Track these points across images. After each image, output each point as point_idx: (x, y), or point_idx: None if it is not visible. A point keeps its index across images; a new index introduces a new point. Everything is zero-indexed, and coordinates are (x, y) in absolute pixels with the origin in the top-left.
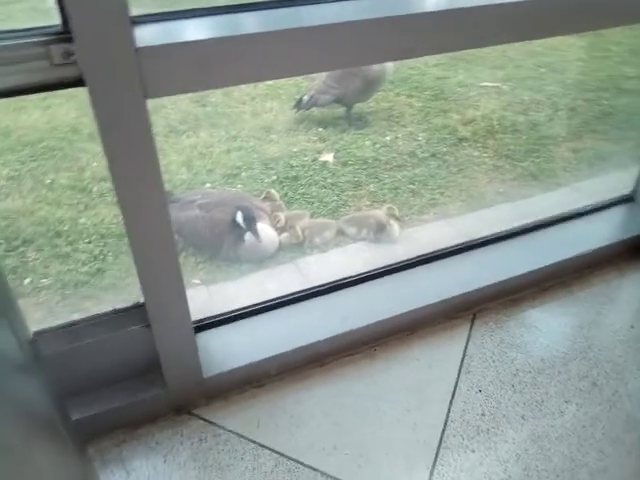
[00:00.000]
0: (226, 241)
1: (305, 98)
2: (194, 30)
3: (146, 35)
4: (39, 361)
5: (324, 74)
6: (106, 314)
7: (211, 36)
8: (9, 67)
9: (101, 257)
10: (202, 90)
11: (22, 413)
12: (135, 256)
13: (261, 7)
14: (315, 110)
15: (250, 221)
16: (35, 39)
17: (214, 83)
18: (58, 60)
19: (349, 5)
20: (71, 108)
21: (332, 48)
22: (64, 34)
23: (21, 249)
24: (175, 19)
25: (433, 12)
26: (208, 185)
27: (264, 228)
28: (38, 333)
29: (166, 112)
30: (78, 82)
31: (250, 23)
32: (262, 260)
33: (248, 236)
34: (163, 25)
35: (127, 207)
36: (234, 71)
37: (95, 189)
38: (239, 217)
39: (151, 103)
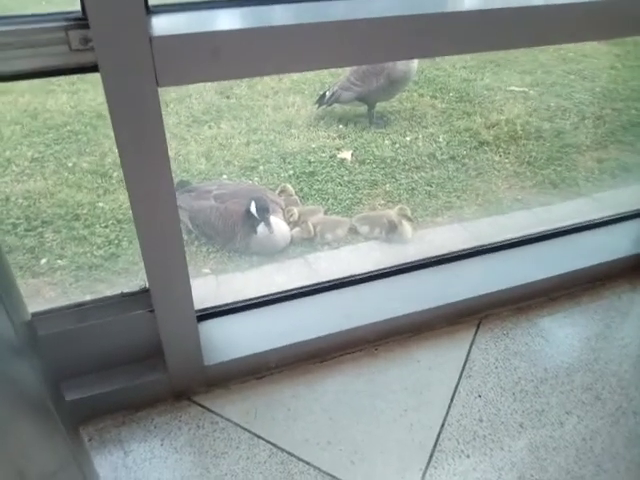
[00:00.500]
0: (239, 232)
1: (327, 94)
2: (212, 21)
3: (162, 24)
4: (35, 343)
5: (348, 71)
6: (113, 297)
7: (226, 28)
8: (30, 50)
9: (116, 242)
10: (214, 80)
11: (11, 394)
12: (141, 242)
13: (286, 1)
14: (337, 107)
15: (263, 212)
16: (55, 24)
17: (227, 74)
18: (76, 46)
19: (376, 2)
20: (98, 94)
21: (347, 44)
22: (83, 20)
23: (40, 229)
24: (194, 10)
25: (464, 12)
26: (225, 177)
27: (277, 222)
28: (46, 312)
29: (190, 102)
30: (96, 68)
31: (270, 16)
32: (273, 253)
33: (261, 228)
34: (180, 15)
35: (135, 193)
36: (247, 63)
37: (115, 175)
38: (253, 207)
39: (176, 93)
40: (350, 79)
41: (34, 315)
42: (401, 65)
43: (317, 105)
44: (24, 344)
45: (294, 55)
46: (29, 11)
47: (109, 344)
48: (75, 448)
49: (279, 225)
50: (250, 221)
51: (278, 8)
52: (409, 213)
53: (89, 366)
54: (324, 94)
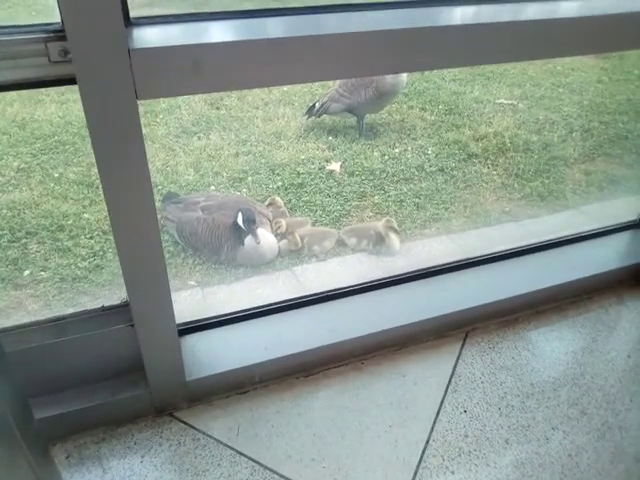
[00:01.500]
0: (226, 244)
1: (317, 105)
2: (194, 33)
3: (143, 37)
4: (0, 362)
5: (337, 82)
6: (93, 311)
7: (207, 40)
8: (8, 61)
9: (101, 253)
10: (196, 93)
11: None
12: (120, 255)
13: (272, 14)
14: (327, 118)
15: (250, 222)
16: (34, 35)
17: (209, 87)
18: (55, 57)
19: (366, 15)
20: None
21: (333, 58)
22: (62, 32)
23: (24, 241)
24: (177, 22)
25: (455, 25)
26: (212, 188)
27: (264, 233)
28: (24, 326)
29: (180, 113)
30: (75, 80)
31: (254, 29)
32: (260, 265)
33: (248, 240)
34: (163, 27)
35: (114, 206)
36: (229, 76)
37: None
38: (239, 219)
39: (166, 103)
40: (339, 91)
41: (12, 329)
42: (390, 78)
43: (306, 116)
44: None
45: (278, 69)
46: (18, 22)
47: (89, 358)
48: (42, 473)
49: (266, 237)
50: (237, 232)
51: (264, 21)
52: (395, 225)
53: (68, 381)
54: (313, 105)
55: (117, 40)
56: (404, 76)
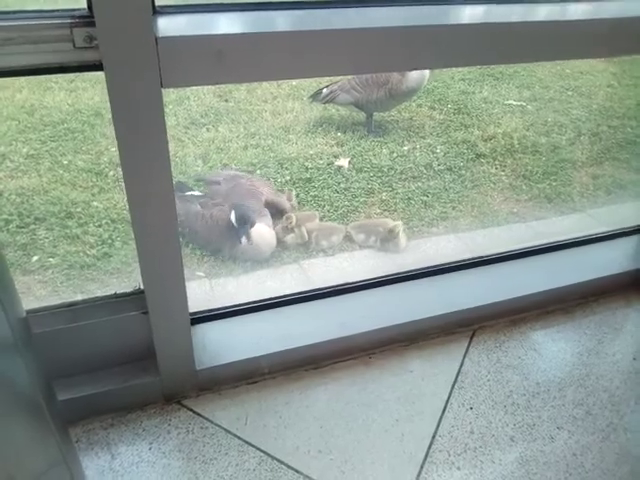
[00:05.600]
0: (226, 242)
1: (325, 91)
2: (217, 24)
3: (169, 25)
4: (29, 340)
5: None
6: (106, 297)
7: (231, 31)
8: (33, 46)
9: (109, 241)
10: (218, 84)
11: (4, 392)
12: (138, 243)
13: (292, 7)
14: (335, 114)
15: (243, 220)
16: (60, 21)
17: (230, 78)
18: (80, 43)
19: (380, 12)
20: (96, 92)
21: (350, 52)
22: (88, 18)
23: (32, 227)
24: (199, 12)
25: (464, 24)
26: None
27: (260, 229)
28: (37, 310)
29: (189, 104)
30: (99, 66)
31: (275, 22)
32: (259, 260)
33: (243, 239)
34: (187, 17)
35: (134, 194)
36: (251, 68)
37: (111, 174)
38: (232, 216)
39: (175, 94)
40: (351, 82)
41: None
42: (405, 84)
43: (311, 100)
44: (19, 341)
45: (297, 62)
46: (28, 8)
47: (100, 345)
48: (65, 447)
49: (262, 233)
50: (233, 232)
51: (284, 14)
52: (401, 229)
53: (79, 366)
54: (320, 91)
55: (145, 28)
56: (422, 81)
